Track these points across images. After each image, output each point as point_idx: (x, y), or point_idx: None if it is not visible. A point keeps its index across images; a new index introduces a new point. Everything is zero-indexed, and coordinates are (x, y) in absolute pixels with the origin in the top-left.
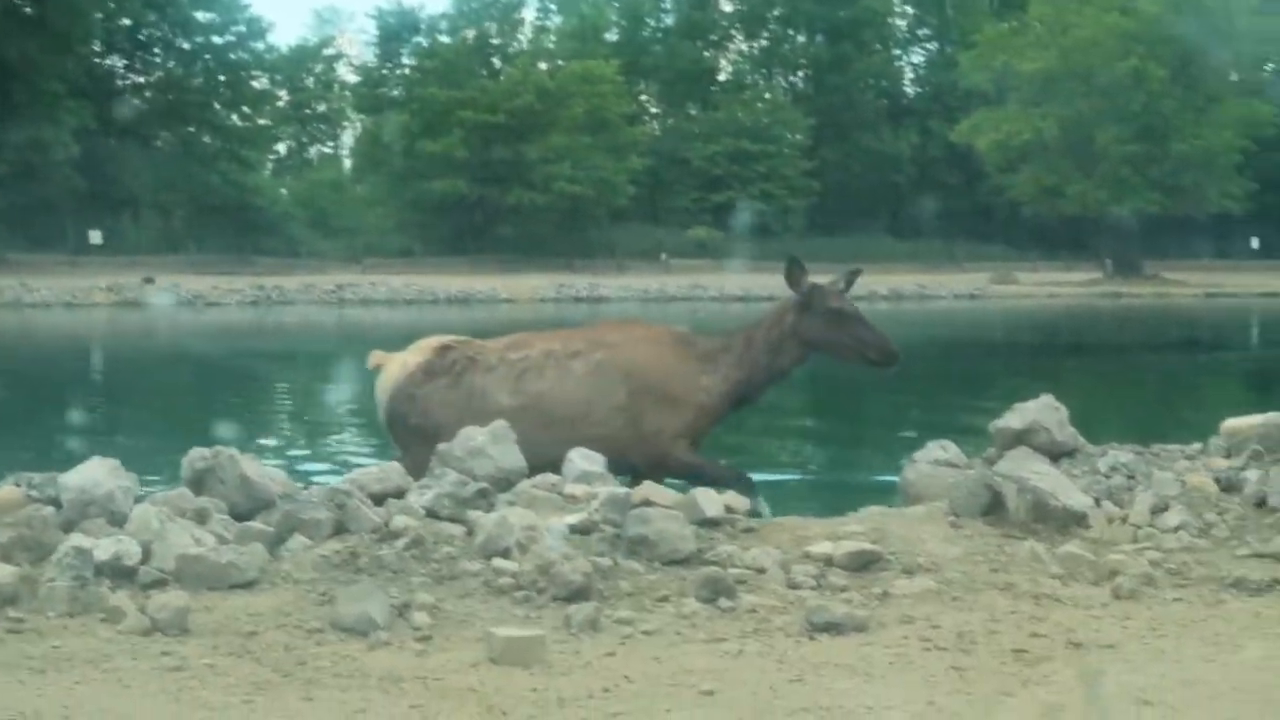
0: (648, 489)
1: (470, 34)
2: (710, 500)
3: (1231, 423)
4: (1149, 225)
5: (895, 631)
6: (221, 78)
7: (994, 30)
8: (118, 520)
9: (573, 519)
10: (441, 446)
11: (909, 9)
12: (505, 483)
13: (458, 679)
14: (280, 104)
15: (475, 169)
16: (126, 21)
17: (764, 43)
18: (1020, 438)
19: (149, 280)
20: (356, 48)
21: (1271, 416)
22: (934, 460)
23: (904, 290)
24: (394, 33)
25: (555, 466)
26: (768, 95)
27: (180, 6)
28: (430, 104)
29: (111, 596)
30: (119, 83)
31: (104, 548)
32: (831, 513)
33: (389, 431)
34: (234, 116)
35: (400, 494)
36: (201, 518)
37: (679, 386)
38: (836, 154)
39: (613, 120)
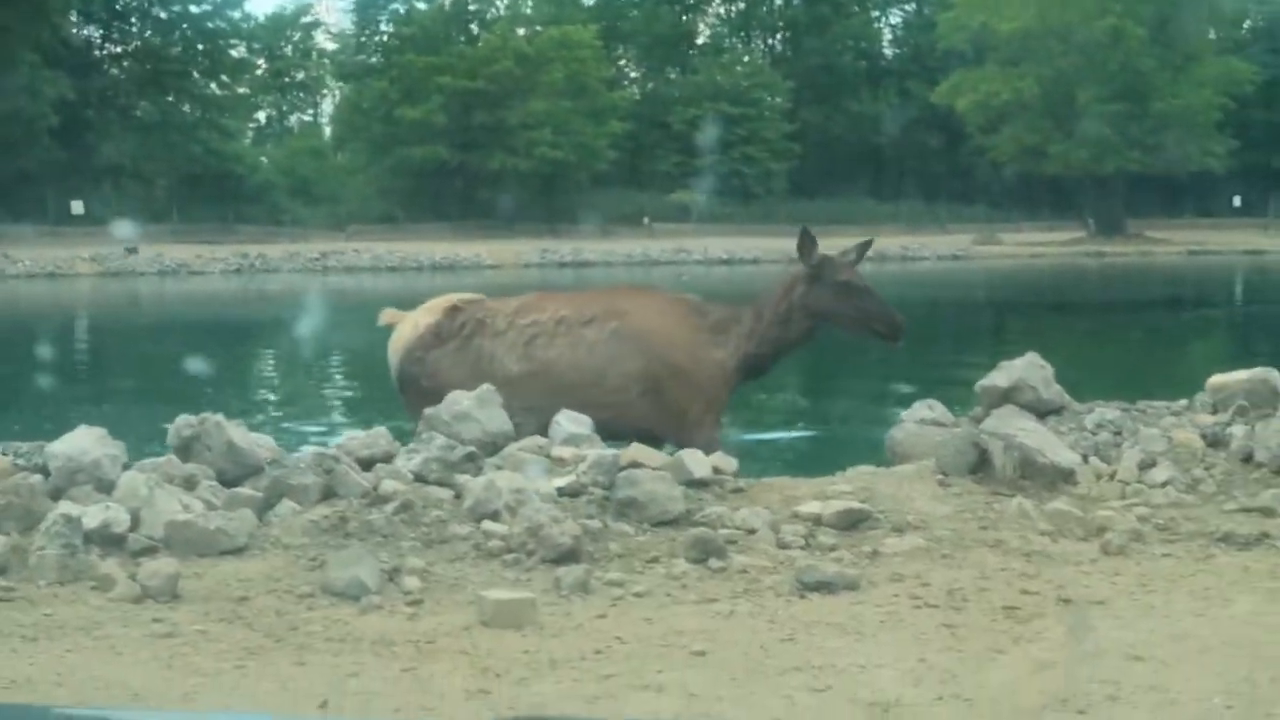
0: (636, 450)
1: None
2: (698, 461)
3: (1217, 378)
4: (1131, 184)
5: (885, 590)
6: (200, 46)
7: None
8: (105, 488)
9: (561, 481)
10: (428, 411)
11: None
12: (492, 446)
13: (449, 642)
14: (259, 72)
15: (456, 135)
16: None
17: (741, 5)
18: (1007, 396)
19: (132, 250)
20: (334, 15)
21: (1257, 372)
22: (921, 419)
23: (888, 252)
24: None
25: None
26: (746, 58)
27: None
28: (409, 70)
29: (101, 564)
30: (96, 53)
31: (92, 515)
32: (820, 472)
33: (400, 393)
34: (213, 85)
35: (388, 459)
36: (190, 484)
37: (693, 358)
38: (817, 116)
39: (592, 85)
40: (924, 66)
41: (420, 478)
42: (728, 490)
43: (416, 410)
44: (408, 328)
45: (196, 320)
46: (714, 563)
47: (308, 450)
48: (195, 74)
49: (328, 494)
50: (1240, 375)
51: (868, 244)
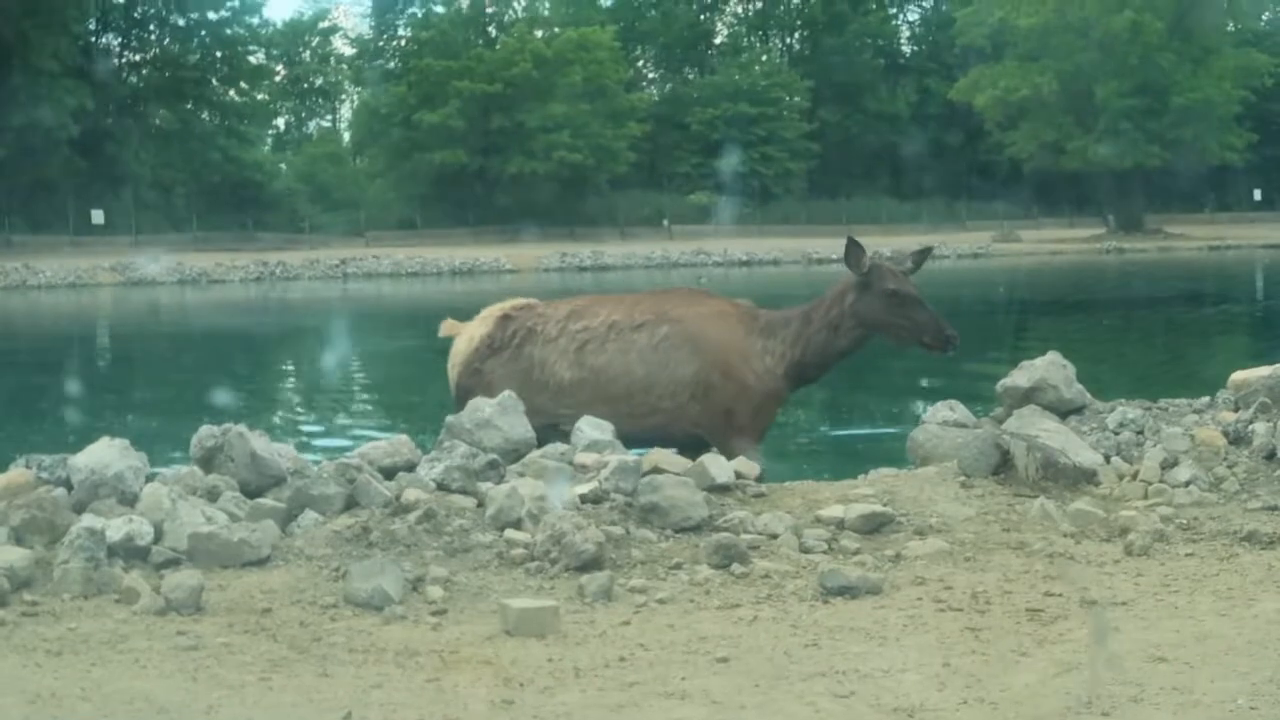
0: (658, 456)
1: (465, 3)
2: (720, 466)
3: (1239, 375)
4: (1151, 179)
5: (909, 593)
6: (218, 54)
7: None
8: (129, 500)
9: (583, 488)
10: (449, 419)
11: None
12: (514, 454)
13: (473, 651)
14: (278, 79)
15: (474, 139)
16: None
17: (759, 5)
18: (1028, 396)
19: (153, 259)
20: (352, 20)
21: (1279, 368)
22: (942, 421)
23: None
24: (389, 4)
25: (626, 443)
26: (765, 58)
27: None
28: (427, 75)
29: (125, 577)
30: (115, 62)
31: (116, 528)
32: (841, 475)
33: (457, 404)
34: (231, 92)
35: (410, 467)
36: (212, 496)
37: (744, 363)
38: (835, 115)
39: (610, 87)
40: (942, 63)
41: (443, 486)
42: (750, 495)
43: None
44: (464, 340)
45: (217, 329)
46: (737, 568)
47: (330, 459)
48: (214, 81)
49: (350, 504)
50: (1262, 371)
51: (927, 251)
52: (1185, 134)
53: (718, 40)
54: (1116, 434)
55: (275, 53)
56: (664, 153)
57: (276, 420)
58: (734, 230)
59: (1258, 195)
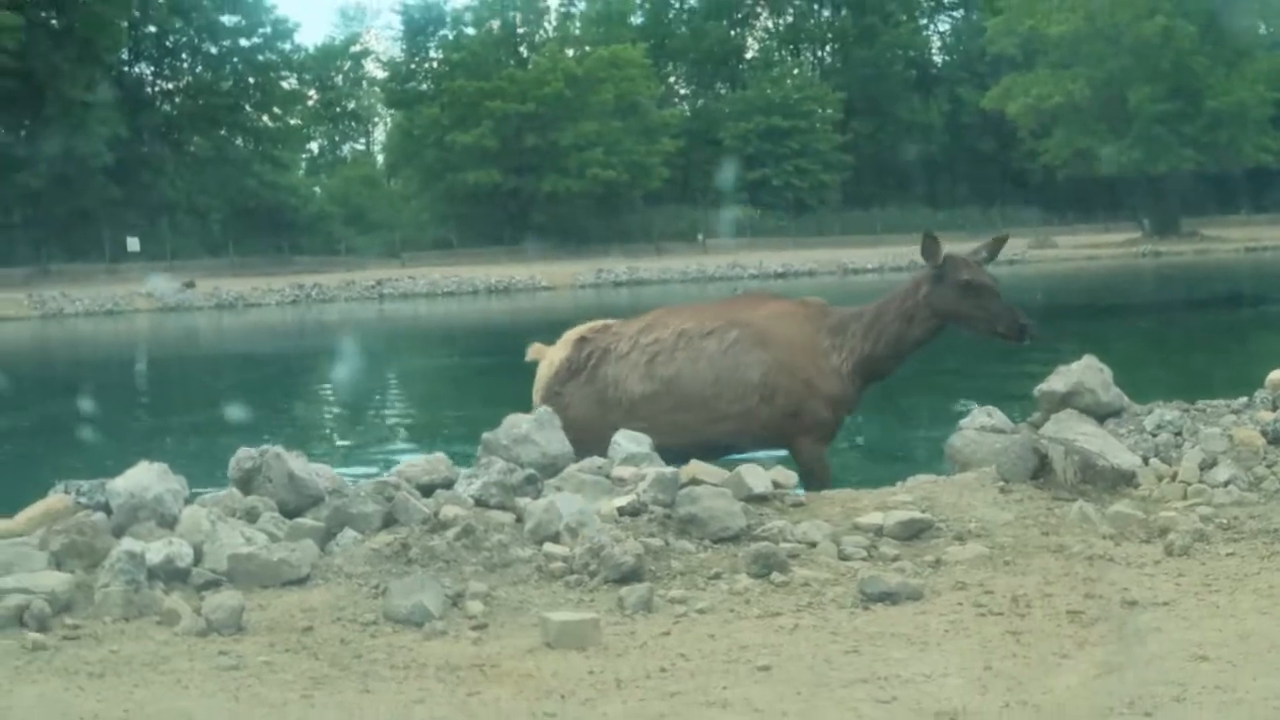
0: (695, 467)
1: (496, 24)
2: (757, 476)
3: (1277, 374)
4: (1185, 183)
5: (949, 598)
6: (250, 80)
7: None
8: (168, 523)
9: (621, 501)
10: (486, 435)
11: None
12: (552, 468)
13: (514, 665)
14: (310, 103)
15: (508, 158)
16: (153, 29)
17: (789, 19)
18: (1065, 400)
19: (189, 284)
20: (383, 44)
21: None
22: (980, 426)
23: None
24: (420, 27)
25: (700, 452)
26: (796, 71)
27: (205, 11)
28: (460, 96)
29: (166, 599)
30: (149, 90)
31: (156, 550)
32: (880, 483)
33: None
34: (265, 118)
35: (448, 484)
36: (251, 516)
37: (810, 363)
38: (868, 126)
39: (643, 103)
40: (974, 72)
41: (481, 502)
42: (788, 504)
43: None
44: (545, 365)
45: (254, 352)
46: (776, 577)
47: (368, 478)
48: (247, 107)
49: (389, 521)
50: None
51: (1002, 241)
52: (1219, 137)
53: (749, 55)
54: (1154, 436)
55: (308, 77)
56: (697, 168)
57: (315, 441)
58: (769, 243)
59: None
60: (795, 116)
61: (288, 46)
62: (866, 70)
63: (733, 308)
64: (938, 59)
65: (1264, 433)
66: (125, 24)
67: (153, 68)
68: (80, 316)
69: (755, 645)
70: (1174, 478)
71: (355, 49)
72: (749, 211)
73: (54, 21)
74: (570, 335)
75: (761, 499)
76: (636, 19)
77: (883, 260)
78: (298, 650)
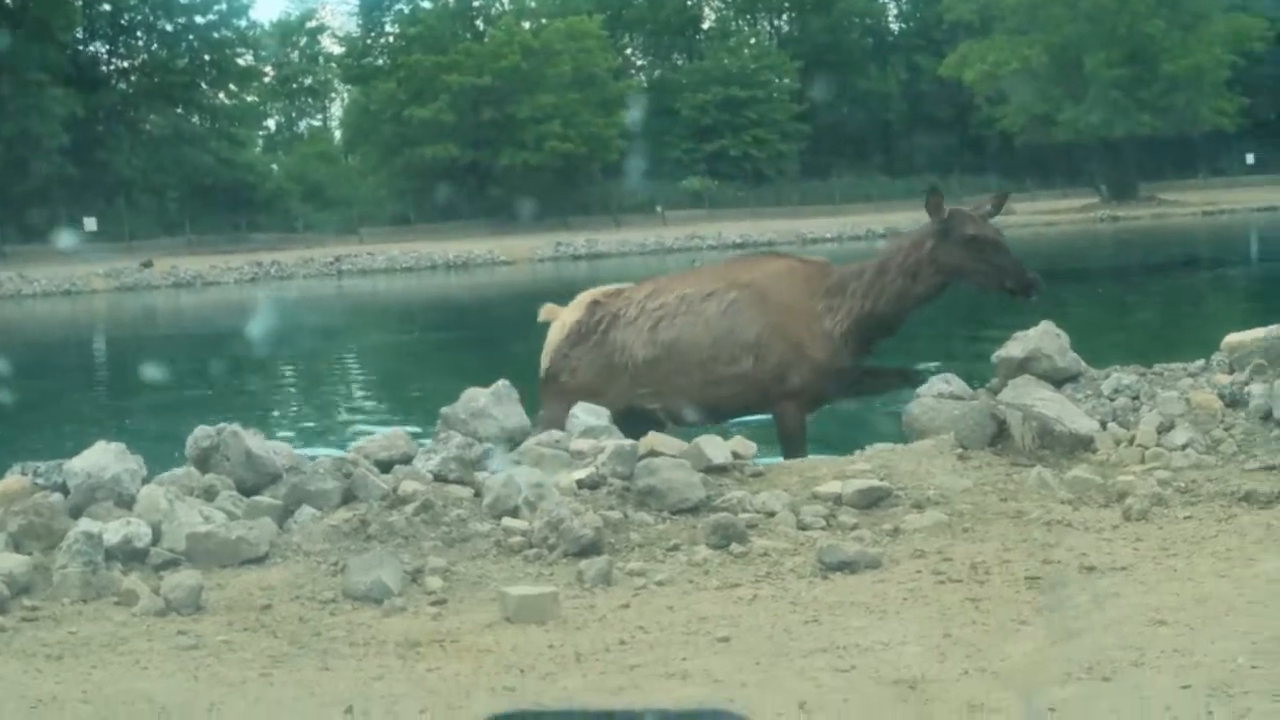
0: (654, 439)
1: None
2: (717, 447)
3: (1233, 337)
4: (1143, 147)
5: (908, 566)
6: (206, 57)
7: None
8: (126, 502)
9: (580, 474)
10: (444, 410)
11: None
12: (510, 442)
13: (474, 640)
14: (267, 80)
15: (466, 133)
16: (107, 7)
17: None
18: (1023, 366)
19: (147, 264)
20: (339, 19)
21: (1273, 329)
22: (938, 393)
23: (901, 227)
24: (376, 2)
25: (706, 416)
26: (753, 41)
27: None
28: (416, 70)
29: (124, 579)
30: (103, 68)
31: (113, 531)
32: (838, 451)
33: (542, 385)
34: (221, 95)
35: (407, 460)
36: (209, 495)
37: (800, 328)
38: (826, 95)
39: (600, 75)
40: (931, 40)
41: (440, 477)
42: (747, 474)
43: (548, 402)
44: (556, 326)
45: (212, 331)
46: (735, 547)
47: (327, 456)
48: (203, 85)
49: (348, 498)
50: (1257, 333)
51: (1004, 197)
52: (1176, 101)
53: (705, 25)
54: (1112, 400)
55: (263, 54)
56: (655, 139)
57: (273, 419)
58: (727, 213)
59: (1250, 159)
60: (753, 86)
61: (243, 23)
62: (823, 38)
63: (734, 269)
64: (894, 26)
65: (1221, 396)
66: (79, 2)
67: (107, 46)
68: (37, 298)
69: (714, 616)
70: (1131, 441)
71: (311, 24)
72: (706, 182)
73: (7, 1)
74: (584, 298)
75: (721, 469)
76: None
77: (841, 229)
78: (256, 629)
